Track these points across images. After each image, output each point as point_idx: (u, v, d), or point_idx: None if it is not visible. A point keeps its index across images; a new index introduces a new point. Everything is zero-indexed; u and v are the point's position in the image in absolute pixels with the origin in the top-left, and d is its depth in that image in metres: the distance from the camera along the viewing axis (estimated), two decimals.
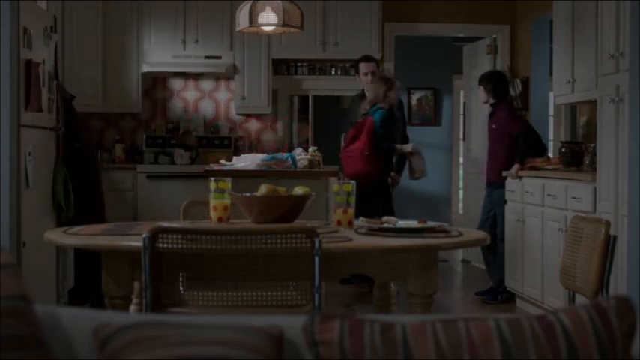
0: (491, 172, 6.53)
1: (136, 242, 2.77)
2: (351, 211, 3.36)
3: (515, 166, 6.15)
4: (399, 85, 6.86)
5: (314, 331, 1.59)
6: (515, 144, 6.25)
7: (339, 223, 3.33)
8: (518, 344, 1.54)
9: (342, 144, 6.67)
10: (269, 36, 7.53)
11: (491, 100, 6.53)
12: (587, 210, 4.94)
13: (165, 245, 2.66)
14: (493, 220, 6.47)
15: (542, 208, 5.69)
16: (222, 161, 6.34)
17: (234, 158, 6.21)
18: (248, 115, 8.19)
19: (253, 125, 8.23)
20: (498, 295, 6.44)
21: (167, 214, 6.52)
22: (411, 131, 7.46)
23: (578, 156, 5.69)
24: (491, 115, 6.57)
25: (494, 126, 6.48)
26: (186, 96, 8.19)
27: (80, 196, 5.50)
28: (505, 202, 6.34)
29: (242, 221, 3.44)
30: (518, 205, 6.09)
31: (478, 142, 8.23)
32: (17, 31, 4.51)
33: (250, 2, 4.73)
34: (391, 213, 6.20)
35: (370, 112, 6.52)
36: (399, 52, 8.61)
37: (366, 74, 6.88)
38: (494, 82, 6.53)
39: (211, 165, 6.91)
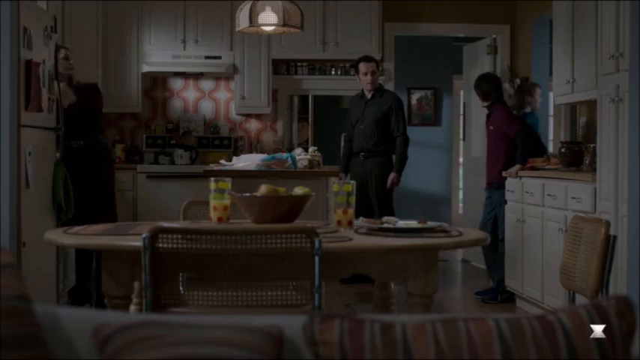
0: (490, 173, 6.53)
1: (136, 242, 2.77)
2: (351, 211, 3.35)
3: (517, 166, 6.14)
4: (540, 91, 7.04)
5: (314, 331, 1.59)
6: (514, 144, 6.26)
7: (339, 223, 3.33)
8: (518, 344, 1.54)
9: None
10: (269, 36, 7.53)
11: (485, 103, 6.57)
12: (587, 210, 4.94)
13: (165, 245, 2.66)
14: (494, 220, 6.47)
15: (542, 208, 5.68)
16: (222, 161, 6.34)
17: (234, 158, 6.21)
18: (248, 115, 8.18)
19: (253, 125, 8.23)
20: (498, 295, 6.44)
21: (167, 214, 6.53)
22: (411, 131, 7.46)
23: (578, 156, 5.69)
24: (489, 116, 6.59)
25: (491, 127, 6.50)
26: (186, 96, 8.19)
27: (92, 197, 5.59)
28: (505, 202, 6.34)
29: (242, 221, 3.44)
30: (519, 205, 6.08)
31: (478, 142, 8.23)
32: (17, 31, 4.51)
33: (250, 2, 4.73)
34: None
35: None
36: (399, 52, 8.61)
37: (366, 74, 6.89)
38: (483, 85, 6.58)
39: (211, 165, 6.92)
